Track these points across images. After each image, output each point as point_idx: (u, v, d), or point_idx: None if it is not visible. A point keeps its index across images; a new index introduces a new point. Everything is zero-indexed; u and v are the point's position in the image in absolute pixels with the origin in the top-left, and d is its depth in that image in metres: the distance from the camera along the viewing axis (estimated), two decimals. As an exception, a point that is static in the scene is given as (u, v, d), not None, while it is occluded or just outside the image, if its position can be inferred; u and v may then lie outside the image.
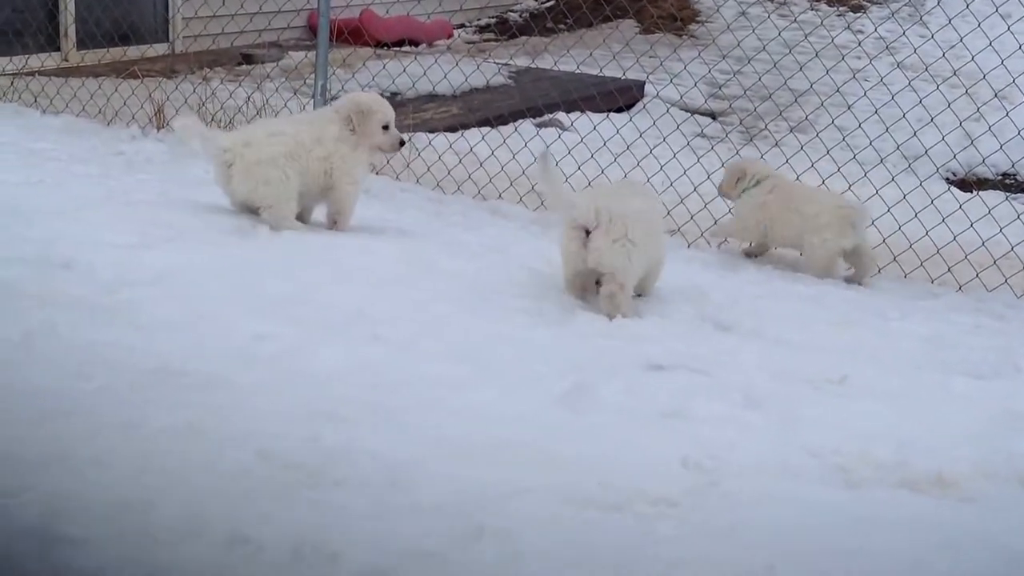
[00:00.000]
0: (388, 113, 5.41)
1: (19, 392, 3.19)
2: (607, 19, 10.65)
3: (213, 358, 3.59)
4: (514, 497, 2.86)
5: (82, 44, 8.98)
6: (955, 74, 6.63)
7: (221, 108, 6.96)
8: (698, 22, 11.96)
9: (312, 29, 10.18)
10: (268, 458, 2.95)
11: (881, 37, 9.40)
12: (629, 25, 11.31)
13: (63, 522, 2.53)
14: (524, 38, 10.91)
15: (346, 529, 2.65)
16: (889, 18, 10.44)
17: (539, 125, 8.10)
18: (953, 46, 6.56)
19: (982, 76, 5.90)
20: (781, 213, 5.60)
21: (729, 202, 5.95)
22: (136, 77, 7.47)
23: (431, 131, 7.81)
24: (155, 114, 6.98)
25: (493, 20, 12.72)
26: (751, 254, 5.90)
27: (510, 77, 9.76)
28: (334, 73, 7.53)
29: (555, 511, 2.81)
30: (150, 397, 3.25)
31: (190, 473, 2.85)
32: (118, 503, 2.66)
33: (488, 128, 7.61)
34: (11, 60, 8.24)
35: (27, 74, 8.03)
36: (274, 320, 3.99)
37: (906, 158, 6.44)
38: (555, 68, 8.51)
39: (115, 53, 8.92)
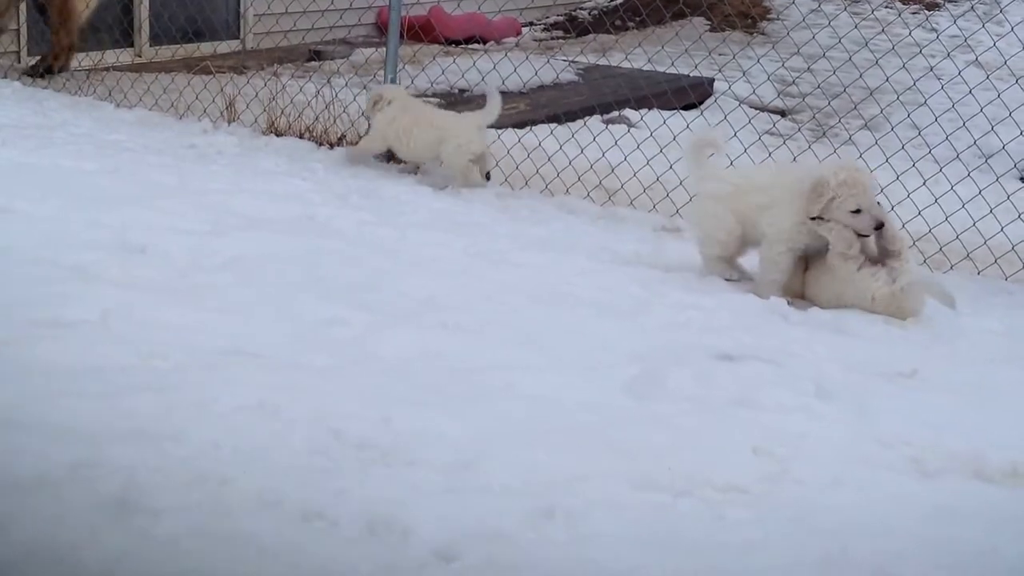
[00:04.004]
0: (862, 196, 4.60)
1: (97, 369, 3.25)
2: (678, 16, 10.60)
3: (284, 341, 3.64)
4: (582, 481, 2.86)
5: (155, 40, 9.13)
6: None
7: (291, 102, 7.05)
8: (769, 19, 11.85)
9: (381, 26, 10.25)
10: (341, 437, 2.99)
11: (958, 34, 9.26)
12: (700, 22, 11.23)
13: (140, 493, 2.58)
14: (593, 35, 10.89)
15: (418, 507, 2.67)
16: (964, 15, 10.27)
17: (607, 122, 8.08)
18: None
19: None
20: (413, 127, 6.39)
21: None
22: (208, 72, 7.58)
23: (499, 127, 7.82)
24: (226, 108, 7.08)
25: (562, 18, 12.71)
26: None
27: (578, 74, 9.74)
28: (403, 68, 7.58)
29: (623, 495, 2.80)
30: (223, 377, 3.30)
31: (264, 449, 2.89)
32: (194, 477, 2.70)
33: (556, 124, 7.60)
34: (88, 55, 8.41)
35: (102, 69, 8.18)
36: (345, 306, 4.03)
37: (982, 155, 6.33)
38: (624, 65, 8.48)
39: (187, 49, 9.06)
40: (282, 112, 7.00)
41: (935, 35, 9.34)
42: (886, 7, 11.15)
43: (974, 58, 6.77)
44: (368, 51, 9.54)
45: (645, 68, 8.53)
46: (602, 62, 9.12)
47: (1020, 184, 6.56)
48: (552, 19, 12.65)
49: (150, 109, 7.28)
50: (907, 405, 3.50)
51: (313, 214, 5.24)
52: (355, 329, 3.84)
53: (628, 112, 8.52)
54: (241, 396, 3.16)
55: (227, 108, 7.08)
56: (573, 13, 12.77)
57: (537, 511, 2.68)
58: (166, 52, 9.05)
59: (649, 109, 8.36)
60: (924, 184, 6.02)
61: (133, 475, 2.66)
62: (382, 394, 3.31)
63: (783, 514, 2.73)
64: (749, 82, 8.04)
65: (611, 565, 2.48)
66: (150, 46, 9.12)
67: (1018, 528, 2.70)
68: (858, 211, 4.60)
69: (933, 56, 8.44)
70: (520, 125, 7.90)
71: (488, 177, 6.48)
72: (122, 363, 3.30)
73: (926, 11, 11.46)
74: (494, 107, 6.35)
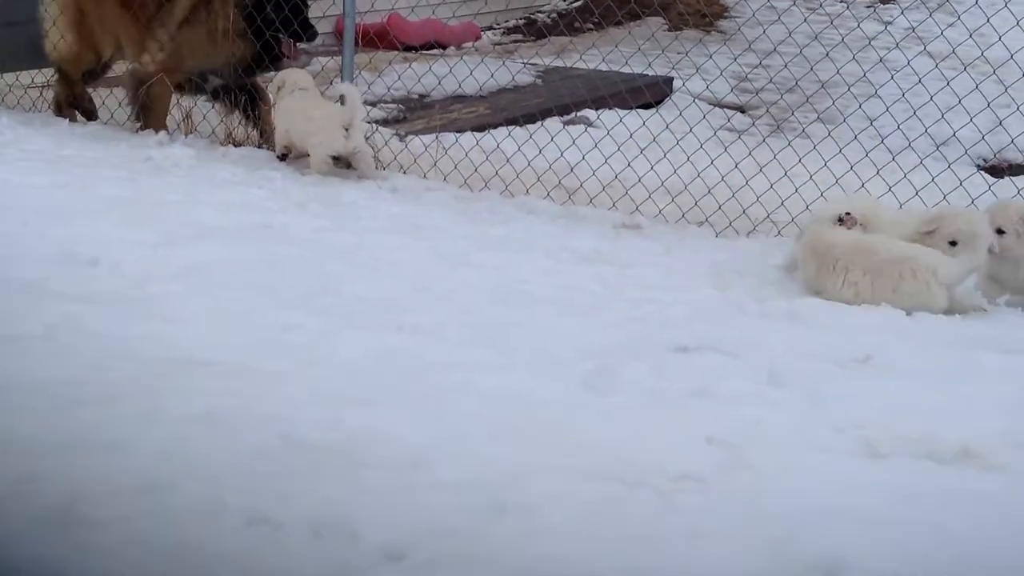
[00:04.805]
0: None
1: (40, 383, 3.21)
2: (635, 16, 10.62)
3: (237, 348, 3.61)
4: (536, 475, 2.85)
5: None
6: (982, 55, 6.55)
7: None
8: (725, 17, 11.90)
9: (337, 35, 10.22)
10: (289, 441, 2.97)
11: (909, 26, 9.31)
12: (656, 22, 11.28)
13: (82, 504, 2.55)
14: (552, 38, 10.90)
15: (367, 507, 2.66)
16: (911, 6, 10.35)
17: (566, 123, 8.08)
18: (979, 28, 6.50)
19: (1009, 56, 5.83)
20: (297, 117, 6.33)
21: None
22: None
23: (459, 131, 7.81)
24: (183, 120, 7.03)
25: (521, 21, 12.72)
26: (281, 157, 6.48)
27: (537, 76, 9.75)
28: (360, 75, 7.55)
29: (577, 488, 2.80)
30: (172, 386, 3.27)
31: (210, 457, 2.87)
32: (137, 486, 2.68)
33: (515, 127, 7.60)
34: (41, 71, 8.32)
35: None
36: (300, 311, 4.01)
37: (934, 143, 6.37)
38: (583, 66, 8.49)
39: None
40: (239, 122, 6.96)
41: (885, 27, 9.40)
42: (840, 1, 11.22)
43: (922, 48, 6.78)
44: (325, 59, 9.51)
45: (603, 68, 8.56)
46: (561, 64, 9.12)
47: (973, 171, 6.60)
48: (511, 23, 12.66)
49: (105, 123, 7.21)
50: (860, 390, 3.51)
51: (270, 222, 5.21)
52: (310, 333, 3.82)
53: (587, 112, 8.54)
54: (190, 404, 3.13)
55: (183, 120, 7.03)
56: (531, 16, 12.78)
57: (488, 506, 2.67)
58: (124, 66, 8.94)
59: (609, 109, 8.38)
60: (878, 173, 6.04)
61: (77, 487, 2.64)
62: (335, 396, 3.29)
63: (735, 501, 2.74)
64: (704, 79, 8.08)
65: (561, 557, 2.48)
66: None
67: (968, 507, 2.72)
68: None
69: (887, 48, 8.52)
70: (480, 128, 7.90)
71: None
72: (69, 376, 3.26)
73: (880, 3, 11.54)
74: (354, 106, 6.28)
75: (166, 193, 5.49)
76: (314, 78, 8.18)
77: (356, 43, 7.16)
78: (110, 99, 7.39)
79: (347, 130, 6.25)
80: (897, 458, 3.00)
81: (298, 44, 6.95)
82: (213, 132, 7.02)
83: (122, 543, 2.43)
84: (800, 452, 3.02)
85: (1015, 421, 3.26)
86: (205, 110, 7.15)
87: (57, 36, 7.24)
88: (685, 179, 6.28)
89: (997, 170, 7.46)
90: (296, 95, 6.44)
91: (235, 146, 6.86)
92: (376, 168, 6.66)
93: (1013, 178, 6.83)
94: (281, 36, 6.84)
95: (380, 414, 3.16)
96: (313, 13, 8.70)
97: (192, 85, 7.05)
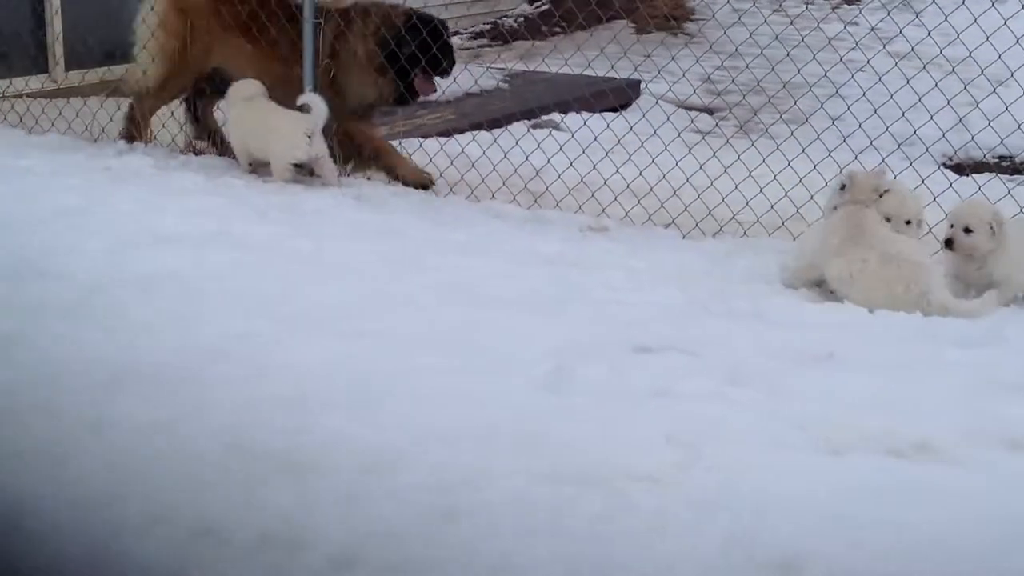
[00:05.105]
0: None
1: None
2: (602, 20, 10.62)
3: (187, 356, 3.54)
4: (490, 478, 2.80)
5: (71, 65, 8.94)
6: (940, 53, 6.58)
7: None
8: (693, 20, 11.91)
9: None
10: (239, 450, 2.90)
11: (874, 27, 9.34)
12: (624, 26, 11.28)
13: (23, 517, 2.49)
14: (517, 42, 10.88)
15: (317, 516, 2.60)
16: (881, 8, 10.40)
17: (532, 127, 8.06)
18: (938, 25, 6.52)
19: (968, 53, 5.84)
20: (252, 126, 6.32)
21: None
22: (123, 94, 7.44)
23: (424, 136, 7.77)
24: (144, 129, 6.95)
25: (487, 27, 12.70)
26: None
27: (504, 81, 9.74)
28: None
29: (531, 490, 2.75)
30: (119, 396, 3.20)
31: (156, 468, 2.81)
32: (81, 499, 2.62)
33: (482, 131, 7.57)
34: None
35: (15, 96, 8.01)
36: (255, 318, 3.94)
37: (897, 142, 6.38)
38: (549, 71, 8.47)
39: (109, 72, 8.88)
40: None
41: (854, 29, 9.42)
42: (807, 3, 11.24)
43: (881, 47, 6.80)
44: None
45: (571, 72, 8.53)
46: (528, 69, 9.10)
47: (935, 168, 6.61)
48: (477, 28, 12.64)
49: (63, 133, 7.12)
50: (821, 387, 3.48)
51: (228, 229, 5.14)
52: (264, 340, 3.75)
53: (553, 116, 8.52)
54: (136, 414, 3.07)
55: (144, 129, 6.95)
56: (499, 21, 12.76)
57: (440, 511, 2.63)
58: (83, 76, 8.87)
59: (576, 113, 8.37)
60: (841, 172, 6.03)
61: (20, 498, 2.57)
62: (287, 404, 3.22)
63: (693, 500, 2.70)
64: (667, 81, 8.06)
65: (512, 560, 2.43)
66: (65, 71, 8.93)
67: (927, 501, 2.69)
68: None
69: (853, 49, 8.54)
70: (446, 134, 7.87)
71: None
72: (8, 387, 3.18)
73: (846, 5, 11.59)
74: (318, 113, 6.23)
75: (122, 202, 5.41)
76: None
77: (322, 50, 7.09)
78: (67, 110, 7.31)
79: (310, 137, 6.21)
80: (857, 454, 2.97)
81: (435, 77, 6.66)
82: (173, 141, 6.95)
83: (66, 555, 2.37)
84: (759, 450, 2.98)
85: (975, 415, 3.24)
86: (164, 118, 7.08)
87: (152, 67, 6.77)
88: (651, 181, 6.26)
89: (960, 168, 7.48)
90: (245, 104, 6.38)
91: (196, 154, 6.79)
92: (340, 175, 6.61)
93: (975, 175, 6.87)
94: (416, 71, 6.55)
95: (333, 421, 3.10)
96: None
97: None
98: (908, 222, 4.93)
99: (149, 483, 2.71)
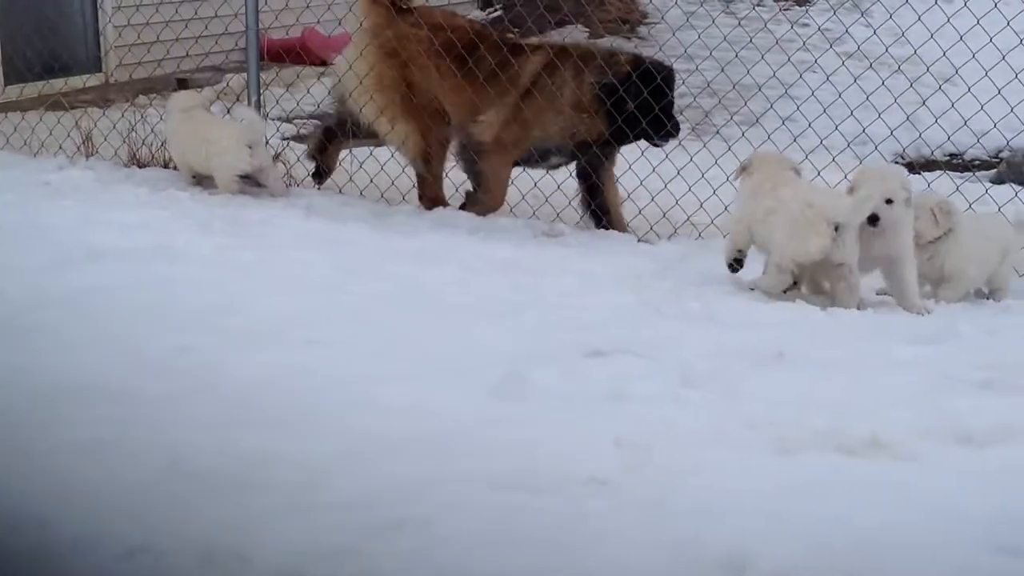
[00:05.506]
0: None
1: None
2: (559, 24, 10.59)
3: (126, 373, 3.45)
4: (437, 486, 2.76)
5: (9, 79, 8.76)
6: (886, 51, 6.61)
7: (152, 132, 6.81)
8: (646, 24, 11.90)
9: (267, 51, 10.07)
10: (178, 468, 2.83)
11: (826, 28, 9.40)
12: (578, 31, 11.26)
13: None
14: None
15: (258, 532, 2.54)
16: (829, 9, 10.47)
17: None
18: (882, 24, 6.57)
19: (913, 51, 5.89)
20: (190, 140, 6.22)
21: None
22: (63, 108, 7.31)
23: (378, 145, 7.67)
24: (83, 142, 6.82)
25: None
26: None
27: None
28: (267, 89, 7.40)
29: (480, 497, 2.71)
30: (56, 415, 3.11)
31: (94, 487, 2.73)
32: (12, 522, 2.52)
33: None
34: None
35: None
36: (196, 332, 3.86)
37: (846, 140, 6.39)
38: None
39: (50, 85, 8.71)
40: (143, 143, 6.76)
41: (805, 31, 9.48)
42: (757, 6, 11.28)
43: (828, 46, 6.83)
44: (232, 76, 9.32)
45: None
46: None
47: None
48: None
49: (1, 149, 6.97)
50: (772, 386, 3.46)
51: (170, 243, 5.03)
52: (205, 355, 3.66)
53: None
54: (74, 433, 2.99)
55: (84, 142, 6.82)
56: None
57: (385, 522, 2.58)
58: (21, 90, 8.66)
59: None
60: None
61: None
62: (228, 419, 3.15)
63: (642, 502, 2.66)
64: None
65: (460, 568, 2.38)
66: (3, 86, 8.74)
67: (876, 497, 2.68)
68: None
69: (806, 51, 8.58)
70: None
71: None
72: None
73: (797, 7, 11.65)
74: (253, 124, 6.21)
75: (59, 217, 5.29)
76: (219, 96, 8.02)
77: (273, 58, 7.00)
78: (5, 125, 7.16)
79: (251, 148, 6.12)
80: (806, 452, 2.95)
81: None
82: (116, 153, 6.82)
83: (-11, 581, 2.27)
84: (710, 450, 2.95)
85: (923, 411, 3.23)
86: (106, 131, 6.95)
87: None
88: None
89: (911, 165, 7.51)
90: (183, 116, 6.30)
91: (140, 167, 6.67)
92: (289, 185, 6.52)
93: (926, 173, 6.91)
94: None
95: (274, 435, 3.03)
96: (217, 28, 8.55)
97: (531, 159, 6.22)
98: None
99: (86, 502, 2.63)
